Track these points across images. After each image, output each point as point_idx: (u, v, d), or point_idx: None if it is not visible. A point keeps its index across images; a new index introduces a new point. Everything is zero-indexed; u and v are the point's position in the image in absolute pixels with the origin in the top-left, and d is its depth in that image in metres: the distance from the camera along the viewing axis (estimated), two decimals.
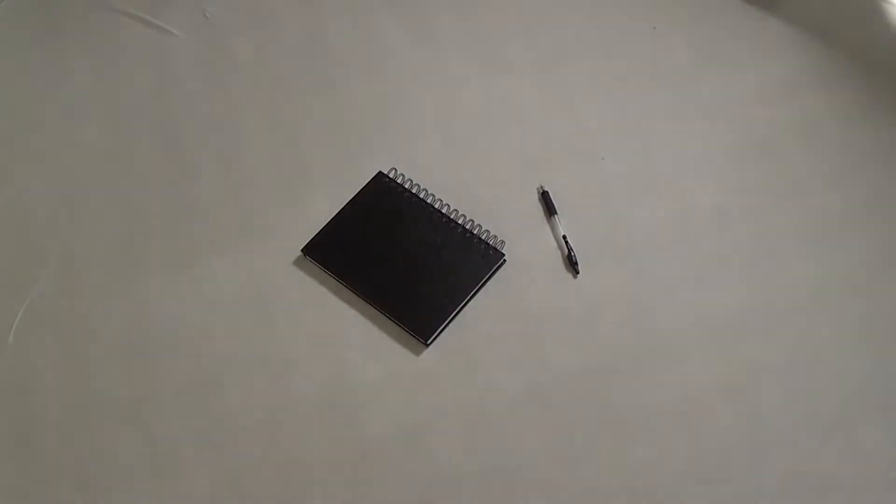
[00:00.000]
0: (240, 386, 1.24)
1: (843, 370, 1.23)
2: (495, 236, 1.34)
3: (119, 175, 1.43)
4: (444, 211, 1.37)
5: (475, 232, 1.35)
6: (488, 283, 1.31)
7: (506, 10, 1.59)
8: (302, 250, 1.34)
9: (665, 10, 1.58)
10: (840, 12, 1.56)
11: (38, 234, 1.38)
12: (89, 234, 1.38)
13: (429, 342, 1.27)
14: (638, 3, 1.59)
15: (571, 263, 1.32)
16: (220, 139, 1.46)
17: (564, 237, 1.35)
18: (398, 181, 1.40)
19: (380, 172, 1.41)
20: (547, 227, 1.37)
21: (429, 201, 1.38)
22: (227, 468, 1.18)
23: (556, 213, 1.37)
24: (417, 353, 1.27)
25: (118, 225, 1.38)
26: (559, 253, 1.34)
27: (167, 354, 1.27)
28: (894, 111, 1.45)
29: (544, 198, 1.38)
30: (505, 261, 1.33)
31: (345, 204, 1.38)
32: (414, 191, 1.39)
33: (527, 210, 1.38)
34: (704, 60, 1.52)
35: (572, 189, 1.39)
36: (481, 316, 1.29)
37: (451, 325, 1.28)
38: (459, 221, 1.36)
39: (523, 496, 1.16)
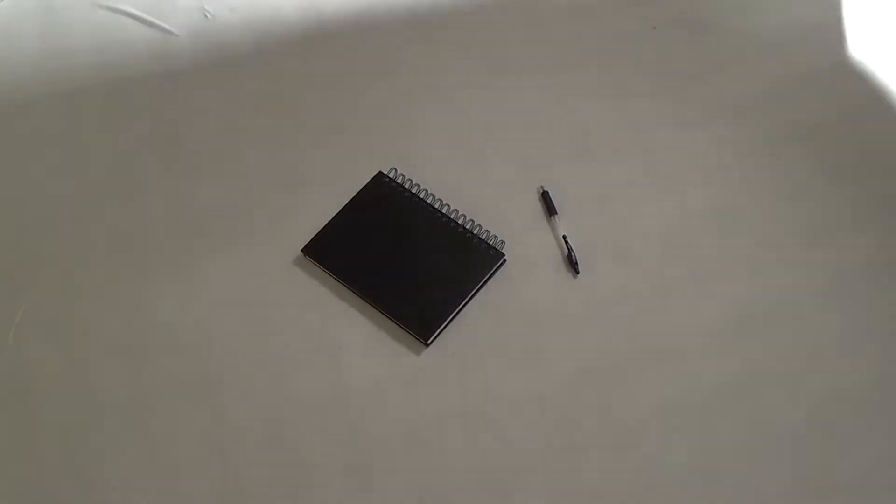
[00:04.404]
0: (240, 386, 1.24)
1: (844, 370, 1.23)
2: (495, 236, 1.34)
3: (119, 175, 1.43)
4: (444, 211, 1.37)
5: (475, 232, 1.35)
6: (488, 283, 1.31)
7: (506, 9, 1.59)
8: (302, 250, 1.34)
9: (665, 10, 1.58)
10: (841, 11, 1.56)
11: (38, 234, 1.38)
12: (89, 235, 1.38)
13: (429, 342, 1.27)
14: (638, 2, 1.59)
15: (571, 263, 1.32)
16: (220, 139, 1.46)
17: (564, 237, 1.35)
18: (398, 181, 1.40)
19: (380, 172, 1.41)
20: (547, 227, 1.37)
21: (429, 201, 1.38)
22: (227, 468, 1.18)
23: (556, 213, 1.37)
24: (417, 353, 1.27)
25: (118, 225, 1.39)
26: (559, 253, 1.34)
27: (167, 354, 1.27)
28: (887, 111, 1.45)
29: (544, 198, 1.38)
30: (505, 261, 1.33)
31: (345, 204, 1.38)
32: (414, 191, 1.39)
33: (527, 210, 1.38)
34: (705, 60, 1.52)
35: (572, 189, 1.39)
36: (481, 316, 1.29)
37: (451, 325, 1.28)
38: (459, 221, 1.36)
39: (523, 496, 1.16)
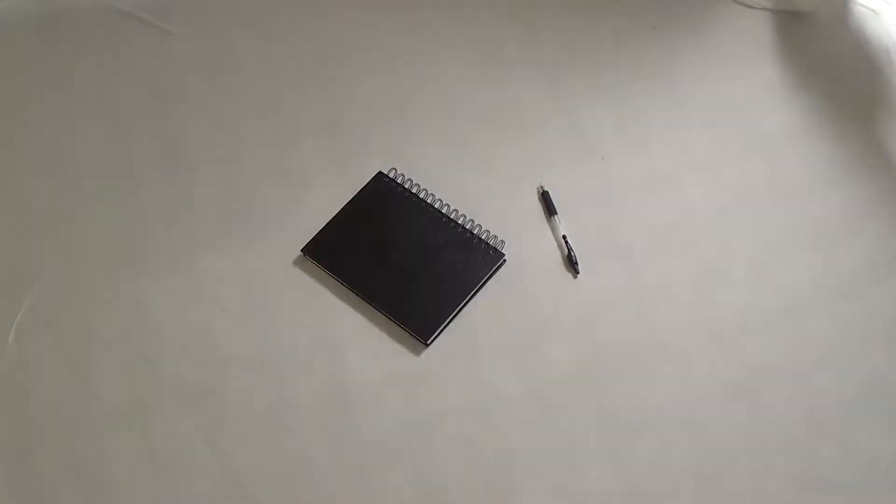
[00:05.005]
0: (239, 386, 1.24)
1: (844, 369, 1.23)
2: (495, 236, 1.34)
3: (119, 175, 1.43)
4: (444, 211, 1.37)
5: (475, 232, 1.35)
6: (488, 283, 1.31)
7: (506, 9, 1.59)
8: (302, 250, 1.34)
9: (665, 10, 1.58)
10: (841, 14, 1.56)
11: (38, 234, 1.38)
12: (89, 234, 1.38)
13: (429, 342, 1.27)
14: (638, 2, 1.59)
15: (571, 263, 1.32)
16: (220, 139, 1.46)
17: (564, 237, 1.35)
18: (398, 181, 1.40)
19: (380, 172, 1.41)
20: (547, 227, 1.37)
21: (429, 201, 1.38)
22: (227, 468, 1.18)
23: (556, 213, 1.37)
24: (417, 353, 1.27)
25: (118, 225, 1.39)
26: (559, 253, 1.34)
27: (167, 354, 1.27)
28: (892, 110, 1.45)
29: (544, 198, 1.38)
30: (505, 261, 1.33)
31: (345, 204, 1.38)
32: (414, 191, 1.39)
33: (527, 210, 1.38)
34: (705, 60, 1.52)
35: (572, 189, 1.39)
36: (481, 316, 1.29)
37: (451, 325, 1.28)
38: (459, 221, 1.36)
39: (523, 496, 1.16)
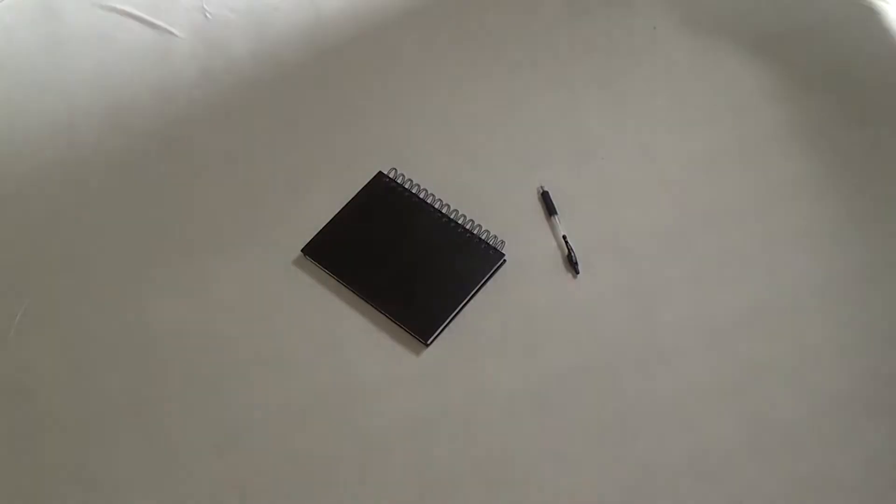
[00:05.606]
0: (240, 386, 1.24)
1: (844, 369, 1.23)
2: (495, 236, 1.34)
3: (119, 175, 1.44)
4: (444, 211, 1.37)
5: (475, 232, 1.35)
6: (488, 283, 1.31)
7: (506, 9, 1.59)
8: (302, 250, 1.34)
9: (665, 9, 1.58)
10: (839, 15, 1.56)
11: (38, 234, 1.38)
12: (89, 234, 1.38)
13: (429, 342, 1.27)
14: (638, 1, 1.59)
15: (571, 263, 1.32)
16: (220, 139, 1.47)
17: (564, 237, 1.35)
18: (398, 181, 1.40)
19: (380, 172, 1.41)
20: (547, 227, 1.37)
21: (429, 201, 1.38)
22: (227, 468, 1.18)
23: (556, 213, 1.37)
24: (417, 353, 1.27)
25: (118, 225, 1.39)
26: (559, 253, 1.34)
27: (167, 354, 1.27)
28: (890, 114, 1.45)
29: (544, 198, 1.38)
30: (505, 261, 1.33)
31: (345, 204, 1.38)
32: (414, 191, 1.39)
33: (527, 210, 1.38)
34: (705, 60, 1.52)
35: (572, 189, 1.39)
36: (481, 316, 1.29)
37: (451, 325, 1.28)
38: (459, 221, 1.36)
39: (523, 496, 1.16)
